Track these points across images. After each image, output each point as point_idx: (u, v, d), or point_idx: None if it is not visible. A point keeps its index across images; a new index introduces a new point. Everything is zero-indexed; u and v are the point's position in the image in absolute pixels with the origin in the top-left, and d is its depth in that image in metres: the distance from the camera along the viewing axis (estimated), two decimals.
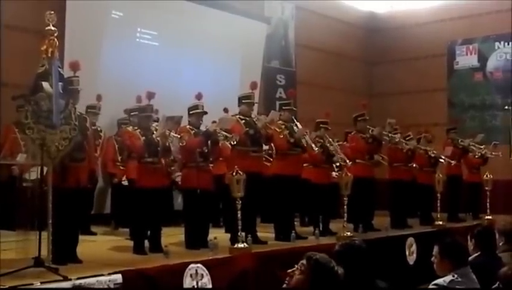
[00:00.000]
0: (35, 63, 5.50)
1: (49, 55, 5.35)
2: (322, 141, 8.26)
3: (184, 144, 6.67)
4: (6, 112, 8.12)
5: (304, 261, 3.12)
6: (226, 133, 6.91)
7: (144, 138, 6.54)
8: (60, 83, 5.34)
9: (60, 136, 5.33)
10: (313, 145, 7.80)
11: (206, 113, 7.12)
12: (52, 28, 5.41)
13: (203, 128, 7.07)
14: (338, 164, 8.66)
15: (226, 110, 8.32)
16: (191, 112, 7.10)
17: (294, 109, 8.04)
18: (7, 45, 8.34)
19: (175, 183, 8.92)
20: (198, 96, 7.11)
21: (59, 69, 5.42)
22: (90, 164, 6.44)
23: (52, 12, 5.48)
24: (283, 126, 7.60)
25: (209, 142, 7.00)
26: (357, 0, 15.04)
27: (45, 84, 5.29)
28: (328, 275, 3.06)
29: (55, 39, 5.40)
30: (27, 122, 5.30)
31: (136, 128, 6.92)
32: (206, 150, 6.99)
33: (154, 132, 6.61)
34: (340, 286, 3.09)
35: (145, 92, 6.73)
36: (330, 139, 8.39)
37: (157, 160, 6.60)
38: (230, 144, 6.98)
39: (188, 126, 7.06)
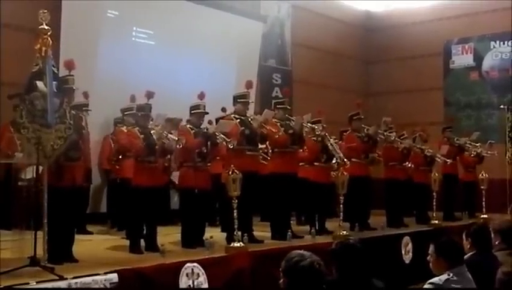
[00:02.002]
0: (32, 62, 5.49)
1: (43, 54, 5.33)
2: (320, 139, 8.25)
3: (180, 146, 6.66)
4: (3, 111, 8.10)
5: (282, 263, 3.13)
6: (224, 137, 6.89)
7: (142, 136, 6.53)
8: (54, 82, 5.34)
9: (55, 135, 5.32)
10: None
11: (207, 113, 7.13)
12: (46, 27, 5.39)
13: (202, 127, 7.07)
14: (336, 163, 8.68)
15: (224, 109, 8.30)
16: (192, 112, 7.11)
17: (289, 107, 8.03)
18: (4, 44, 8.32)
19: (172, 183, 8.92)
20: (201, 96, 7.10)
21: (53, 68, 5.41)
22: (86, 163, 6.42)
23: (46, 11, 5.46)
24: (278, 124, 7.59)
25: (208, 142, 7.00)
26: None
27: (39, 84, 5.28)
28: (301, 274, 3.03)
29: (49, 38, 5.38)
30: (22, 122, 5.30)
31: (130, 127, 6.90)
32: (205, 150, 6.99)
33: (152, 132, 6.60)
34: (320, 278, 3.06)
35: (145, 91, 6.71)
36: (329, 137, 8.34)
37: (154, 159, 6.60)
38: (228, 147, 6.98)
39: (188, 125, 7.06)
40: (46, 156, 5.29)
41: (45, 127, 5.25)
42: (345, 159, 8.11)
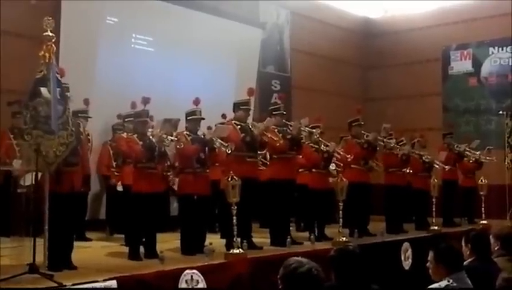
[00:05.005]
0: (31, 68, 5.51)
1: (47, 60, 5.36)
2: (316, 146, 8.26)
3: (182, 146, 6.66)
4: (1, 118, 8.10)
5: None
6: (221, 142, 6.89)
7: (141, 142, 6.53)
8: (58, 89, 5.35)
9: (58, 142, 5.34)
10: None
11: (203, 119, 7.13)
12: (50, 34, 5.42)
13: (199, 133, 7.08)
14: (334, 169, 8.65)
15: (224, 116, 8.30)
16: (188, 118, 7.10)
17: (284, 112, 8.04)
18: (3, 51, 8.32)
19: (171, 189, 8.91)
20: (196, 102, 7.08)
21: (57, 75, 5.42)
22: (84, 168, 6.42)
23: (50, 18, 5.49)
24: (276, 130, 7.58)
25: (206, 148, 7.00)
26: (353, 2, 15.03)
27: (43, 90, 5.30)
28: (298, 280, 3.02)
29: (53, 45, 5.41)
30: (26, 128, 5.31)
31: (130, 134, 6.91)
32: (203, 156, 6.99)
33: (151, 137, 6.61)
34: (318, 284, 3.05)
35: (141, 97, 6.73)
36: (325, 142, 8.34)
37: (154, 165, 6.60)
38: (226, 152, 6.97)
39: (185, 132, 7.06)
40: (49, 163, 5.30)
41: (48, 134, 5.26)
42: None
